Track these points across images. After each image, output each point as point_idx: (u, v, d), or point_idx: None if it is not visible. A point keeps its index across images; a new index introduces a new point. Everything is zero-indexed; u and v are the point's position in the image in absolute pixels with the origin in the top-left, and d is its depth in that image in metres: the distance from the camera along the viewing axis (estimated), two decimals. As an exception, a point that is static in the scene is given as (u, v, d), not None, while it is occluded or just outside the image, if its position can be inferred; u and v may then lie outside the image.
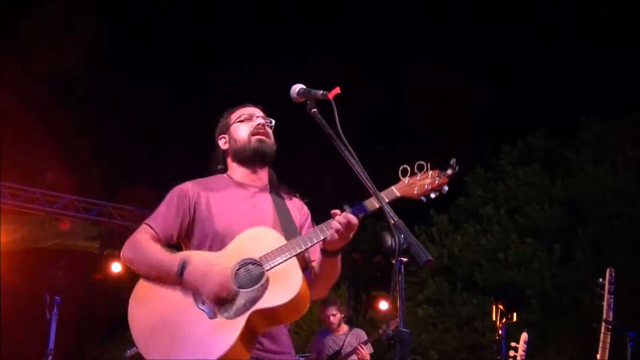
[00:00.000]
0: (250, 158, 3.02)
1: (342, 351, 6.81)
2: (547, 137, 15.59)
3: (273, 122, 3.13)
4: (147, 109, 17.33)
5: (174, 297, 2.66)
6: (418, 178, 2.74)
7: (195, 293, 2.62)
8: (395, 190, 2.72)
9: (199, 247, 2.82)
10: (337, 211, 2.65)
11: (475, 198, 15.92)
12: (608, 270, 4.63)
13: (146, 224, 2.86)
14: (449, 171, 2.75)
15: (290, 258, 2.63)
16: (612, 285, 4.58)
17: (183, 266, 2.64)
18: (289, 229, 2.84)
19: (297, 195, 3.13)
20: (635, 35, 13.67)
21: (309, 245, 2.66)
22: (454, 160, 2.74)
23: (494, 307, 5.45)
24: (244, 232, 2.75)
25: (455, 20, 18.19)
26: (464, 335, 14.75)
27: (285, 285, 2.59)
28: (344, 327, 7.08)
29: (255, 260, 2.65)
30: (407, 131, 18.89)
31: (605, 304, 4.53)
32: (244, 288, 2.59)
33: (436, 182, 2.72)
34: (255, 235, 2.74)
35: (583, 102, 14.86)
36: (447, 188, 2.74)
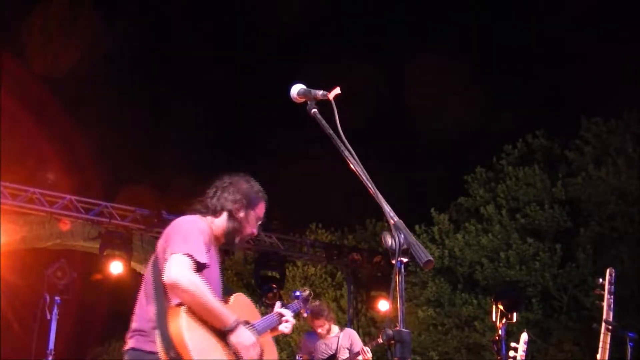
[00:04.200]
0: (232, 244, 3.36)
1: (337, 355, 6.63)
2: (548, 137, 15.59)
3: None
4: (147, 109, 17.34)
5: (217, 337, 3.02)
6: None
7: (236, 351, 3.03)
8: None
9: None
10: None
11: (476, 198, 15.92)
12: (608, 270, 4.61)
13: (188, 255, 2.98)
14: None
15: (272, 327, 3.36)
16: (612, 285, 4.56)
17: (235, 327, 3.01)
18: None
19: None
20: (637, 34, 13.67)
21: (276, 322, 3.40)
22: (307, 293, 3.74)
23: (494, 307, 5.43)
24: (236, 295, 3.31)
25: (455, 20, 18.19)
26: (465, 335, 14.76)
27: (270, 351, 3.23)
28: (334, 329, 6.81)
29: (252, 324, 3.21)
30: (407, 131, 18.90)
31: (605, 304, 4.51)
32: None
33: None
34: (242, 300, 3.33)
35: (584, 102, 14.87)
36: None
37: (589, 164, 13.93)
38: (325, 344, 6.71)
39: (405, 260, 2.18)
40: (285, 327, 3.38)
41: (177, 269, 2.91)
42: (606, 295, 4.52)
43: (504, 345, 5.13)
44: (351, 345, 6.72)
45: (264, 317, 3.35)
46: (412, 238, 2.19)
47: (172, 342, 2.84)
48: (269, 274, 11.61)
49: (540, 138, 15.62)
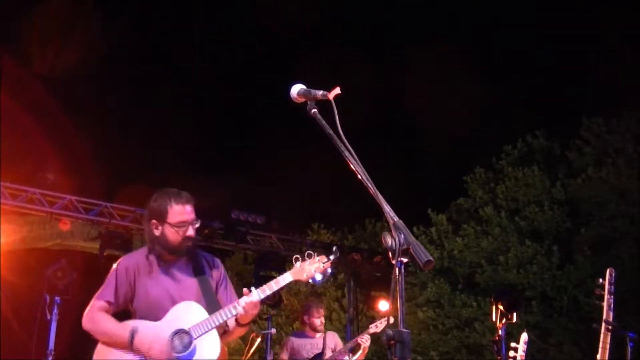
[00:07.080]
0: (178, 253, 3.58)
1: (324, 353, 6.77)
2: (548, 137, 15.57)
3: (198, 222, 3.63)
4: (147, 109, 17.33)
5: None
6: (307, 263, 3.53)
7: (144, 357, 3.32)
8: (289, 275, 3.56)
9: (141, 317, 3.45)
10: (246, 290, 3.46)
11: (475, 199, 15.89)
12: (608, 270, 4.62)
13: (97, 298, 3.49)
14: (332, 257, 3.58)
15: (211, 330, 3.38)
16: (612, 286, 4.56)
17: (132, 336, 3.32)
18: (208, 296, 3.50)
19: (214, 257, 3.74)
20: (637, 34, 13.66)
21: (224, 319, 3.42)
22: (336, 248, 3.59)
23: (494, 307, 5.42)
24: (175, 307, 3.43)
25: (455, 20, 18.19)
26: (465, 335, 14.75)
27: (208, 352, 3.36)
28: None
29: (186, 330, 3.38)
30: (406, 131, 18.90)
31: (605, 304, 4.52)
32: (179, 353, 3.34)
33: (321, 266, 3.53)
34: (184, 309, 3.43)
35: (584, 102, 14.85)
36: (330, 271, 3.62)
37: (589, 164, 13.92)
38: (311, 343, 6.90)
39: (405, 260, 2.18)
40: (240, 309, 3.45)
41: (84, 315, 3.48)
42: (606, 296, 4.52)
43: (503, 346, 5.13)
44: (335, 346, 6.91)
45: (208, 317, 3.45)
46: (412, 238, 2.19)
47: None
48: (269, 274, 11.60)
49: (540, 138, 15.61)
